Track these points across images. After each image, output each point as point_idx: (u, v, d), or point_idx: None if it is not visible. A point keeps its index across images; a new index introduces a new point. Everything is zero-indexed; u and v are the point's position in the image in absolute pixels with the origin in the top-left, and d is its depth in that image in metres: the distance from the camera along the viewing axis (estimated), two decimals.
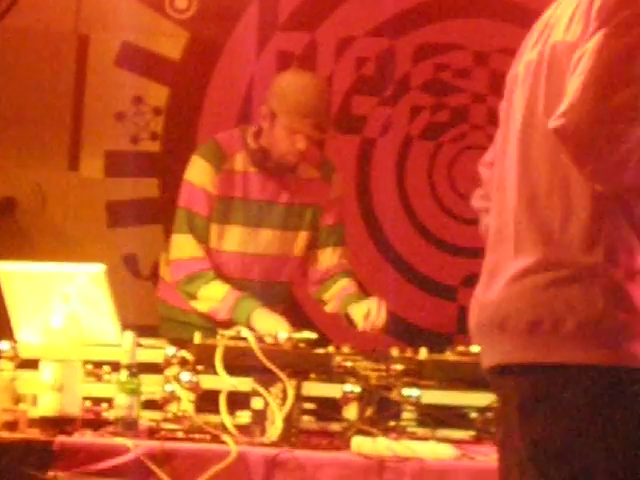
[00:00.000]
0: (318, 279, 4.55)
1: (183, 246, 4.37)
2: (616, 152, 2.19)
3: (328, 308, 4.60)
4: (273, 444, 3.28)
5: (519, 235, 2.40)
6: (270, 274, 4.50)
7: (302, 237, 4.45)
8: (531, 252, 2.36)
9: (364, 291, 5.00)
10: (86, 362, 3.47)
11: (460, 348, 3.79)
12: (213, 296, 4.31)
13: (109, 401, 3.40)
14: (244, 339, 3.49)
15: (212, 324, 4.18)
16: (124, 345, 3.38)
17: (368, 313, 4.24)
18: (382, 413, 3.52)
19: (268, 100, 4.30)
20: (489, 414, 3.51)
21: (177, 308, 4.44)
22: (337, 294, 4.50)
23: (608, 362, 2.26)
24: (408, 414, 3.48)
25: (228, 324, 4.05)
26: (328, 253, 4.52)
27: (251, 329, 3.88)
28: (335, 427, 3.47)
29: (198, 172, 4.32)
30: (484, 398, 3.49)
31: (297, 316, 4.57)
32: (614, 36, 2.20)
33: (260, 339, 3.54)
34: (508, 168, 2.50)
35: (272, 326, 4.05)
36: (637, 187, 2.29)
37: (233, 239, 4.39)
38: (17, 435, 3.27)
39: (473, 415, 3.60)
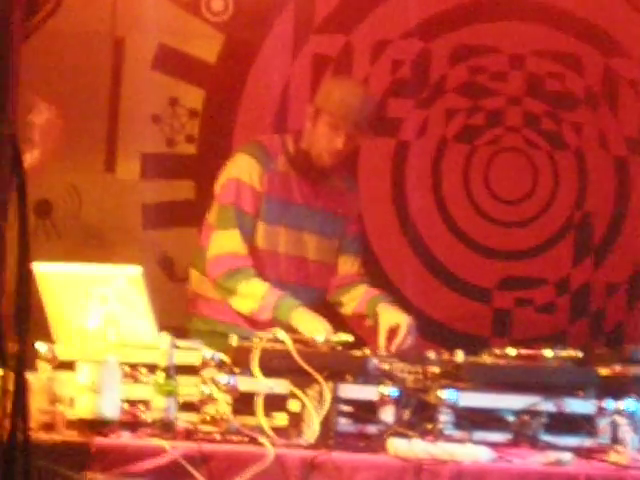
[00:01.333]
0: (336, 284, 4.64)
1: (227, 242, 4.40)
2: None
3: (348, 309, 4.66)
4: (310, 446, 3.30)
5: None
6: (309, 278, 4.59)
7: (335, 245, 4.57)
8: None
9: (400, 294, 5.22)
10: (123, 364, 3.49)
11: (497, 351, 3.88)
12: (254, 293, 4.33)
13: (146, 403, 3.44)
14: (281, 342, 3.51)
15: (251, 329, 4.18)
16: (161, 347, 3.41)
17: (394, 332, 4.29)
18: (419, 415, 3.52)
19: (315, 99, 4.51)
20: (526, 417, 3.53)
21: (218, 321, 4.48)
22: (361, 296, 4.59)
23: None
24: (445, 416, 3.47)
25: (269, 326, 4.02)
26: (349, 260, 4.66)
27: (292, 329, 3.94)
28: (372, 429, 3.47)
29: (246, 169, 4.39)
30: (521, 401, 3.53)
31: (333, 319, 4.53)
32: None
33: (297, 341, 3.56)
34: None
35: (313, 326, 4.12)
36: None
37: (278, 240, 4.48)
38: (55, 436, 3.29)
39: (510, 418, 3.58)
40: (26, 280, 2.72)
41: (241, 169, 4.42)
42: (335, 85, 4.68)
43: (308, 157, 4.42)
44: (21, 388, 2.68)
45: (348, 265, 4.66)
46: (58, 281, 3.75)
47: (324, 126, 4.38)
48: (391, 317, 4.39)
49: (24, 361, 2.71)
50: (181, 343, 3.58)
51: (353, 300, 4.63)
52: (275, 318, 4.26)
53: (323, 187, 4.54)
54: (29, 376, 3.16)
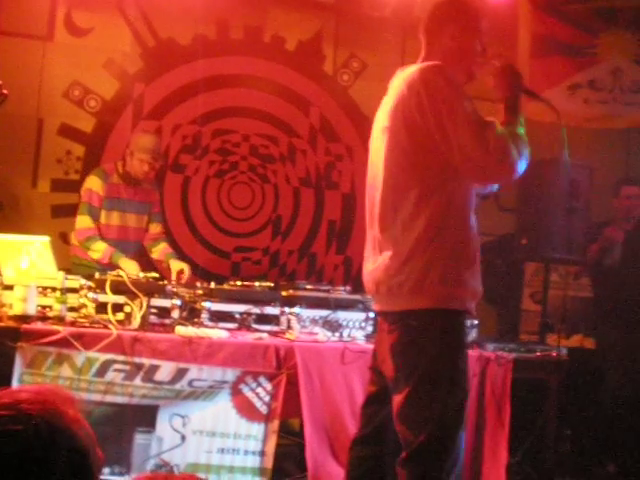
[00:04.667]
0: (149, 239, 6.25)
1: (83, 222, 6.15)
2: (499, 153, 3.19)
3: (154, 256, 6.23)
4: (135, 330, 4.55)
5: (380, 240, 3.49)
6: (131, 237, 6.34)
7: (145, 219, 6.21)
8: (387, 249, 3.43)
9: (183, 253, 6.94)
10: (38, 286, 4.62)
11: (232, 282, 5.43)
12: (99, 249, 6.05)
13: (50, 307, 4.63)
14: (121, 276, 4.81)
15: (102, 267, 5.73)
16: (58, 278, 4.67)
17: (181, 271, 5.98)
18: (191, 315, 4.93)
19: (129, 145, 6.09)
20: (245, 315, 4.86)
21: (84, 259, 6.01)
22: (162, 250, 6.41)
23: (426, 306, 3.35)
24: (204, 315, 4.91)
25: (109, 266, 5.70)
26: (154, 226, 6.29)
27: (120, 268, 5.41)
28: (167, 322, 4.78)
29: (94, 183, 6.22)
30: (243, 307, 4.94)
31: (148, 264, 6.30)
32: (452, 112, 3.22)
33: (128, 276, 4.82)
34: (375, 197, 3.56)
35: (130, 267, 5.76)
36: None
37: (114, 218, 6.07)
38: (2, 324, 4.42)
39: (237, 316, 4.89)
40: None
41: (92, 183, 6.05)
42: (139, 137, 6.24)
43: (129, 175, 6.08)
44: None
45: (154, 228, 6.28)
46: (5, 243, 4.81)
47: (136, 160, 6.07)
48: (178, 265, 5.93)
49: None
50: (69, 276, 4.80)
51: (157, 252, 6.23)
52: (110, 263, 5.73)
53: (139, 189, 6.21)
54: None
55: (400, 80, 3.44)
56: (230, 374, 4.60)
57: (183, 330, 4.68)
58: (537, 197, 6.31)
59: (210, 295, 5.08)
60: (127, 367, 4.42)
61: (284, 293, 5.28)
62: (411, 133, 3.36)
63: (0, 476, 1.56)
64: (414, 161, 3.38)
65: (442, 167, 3.35)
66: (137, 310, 4.64)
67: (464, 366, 3.40)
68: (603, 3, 7.26)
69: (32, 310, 4.52)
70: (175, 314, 4.84)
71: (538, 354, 5.25)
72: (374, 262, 3.49)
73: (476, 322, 5.19)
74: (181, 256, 6.88)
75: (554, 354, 5.28)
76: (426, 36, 3.62)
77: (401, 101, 3.37)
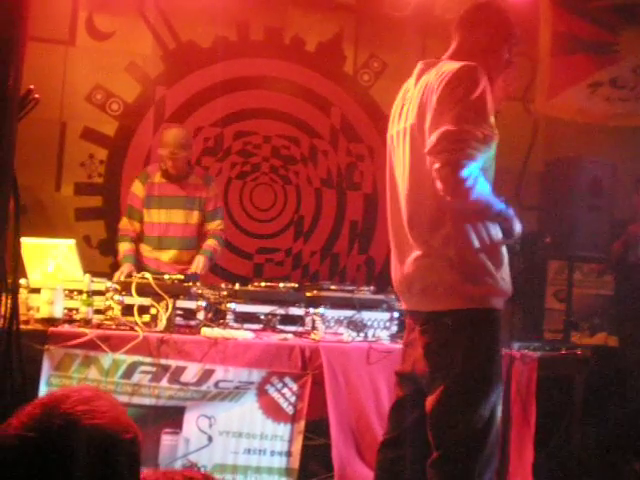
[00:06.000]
0: (203, 237, 6.32)
1: (122, 222, 6.48)
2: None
3: None
4: (161, 331, 4.60)
5: (410, 238, 3.42)
6: (177, 233, 6.42)
7: (195, 215, 6.31)
8: (417, 248, 3.38)
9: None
10: (65, 289, 4.67)
11: (255, 283, 5.43)
12: (120, 249, 6.39)
13: (76, 310, 4.69)
14: (147, 278, 4.82)
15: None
16: (85, 281, 4.70)
17: (197, 266, 6.19)
18: (216, 316, 4.94)
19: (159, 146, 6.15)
20: (269, 316, 4.85)
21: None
22: (203, 247, 6.44)
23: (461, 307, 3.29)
24: (229, 316, 4.94)
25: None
26: (208, 224, 6.32)
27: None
28: (192, 323, 4.77)
29: (136, 186, 6.46)
30: (267, 308, 4.96)
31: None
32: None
33: (155, 278, 4.80)
34: (399, 194, 3.51)
35: (121, 271, 6.06)
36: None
37: (155, 216, 6.27)
38: (30, 327, 4.40)
39: (262, 317, 4.91)
40: (18, 246, 3.05)
41: (134, 187, 6.25)
42: (163, 134, 6.35)
43: (168, 172, 6.20)
44: (15, 302, 3.04)
45: (208, 226, 6.33)
46: (32, 246, 4.85)
47: (164, 157, 6.17)
48: (197, 260, 6.13)
49: (17, 288, 3.08)
50: (95, 279, 4.83)
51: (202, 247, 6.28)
52: (120, 262, 6.03)
53: (184, 184, 6.30)
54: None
55: (430, 78, 3.40)
56: (256, 375, 4.61)
57: (209, 331, 4.67)
58: (560, 195, 6.29)
59: (235, 296, 5.07)
60: (153, 369, 4.45)
61: (308, 294, 5.26)
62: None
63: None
64: None
65: None
66: (163, 312, 4.63)
67: (498, 365, 3.39)
68: (625, 0, 7.25)
69: (59, 313, 4.54)
70: (201, 315, 4.82)
71: (563, 352, 5.27)
72: (402, 261, 3.46)
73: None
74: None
75: (579, 352, 5.30)
76: (459, 32, 3.59)
77: (430, 99, 3.34)
